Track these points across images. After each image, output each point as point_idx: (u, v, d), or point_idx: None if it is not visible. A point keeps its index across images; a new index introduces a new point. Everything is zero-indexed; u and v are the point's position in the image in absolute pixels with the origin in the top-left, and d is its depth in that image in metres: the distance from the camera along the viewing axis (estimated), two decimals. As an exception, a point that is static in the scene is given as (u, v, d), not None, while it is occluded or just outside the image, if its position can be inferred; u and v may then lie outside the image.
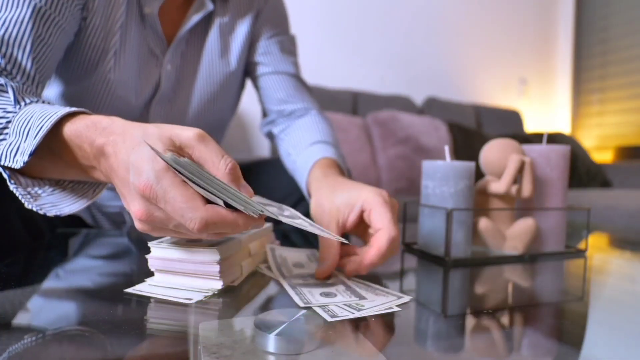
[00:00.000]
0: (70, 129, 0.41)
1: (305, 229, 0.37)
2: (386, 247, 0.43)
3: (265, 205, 0.38)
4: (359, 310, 0.35)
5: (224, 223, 0.32)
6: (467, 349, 0.31)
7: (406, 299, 0.38)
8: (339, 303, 0.36)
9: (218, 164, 0.34)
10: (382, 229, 0.44)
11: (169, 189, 0.32)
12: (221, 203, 0.32)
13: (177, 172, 0.32)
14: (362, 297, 0.38)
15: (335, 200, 0.49)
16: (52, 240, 0.64)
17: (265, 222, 0.54)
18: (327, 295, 0.38)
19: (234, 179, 0.35)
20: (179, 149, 0.35)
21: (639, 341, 0.33)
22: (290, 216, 0.38)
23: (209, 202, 0.33)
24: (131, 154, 0.34)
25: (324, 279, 0.44)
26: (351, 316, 0.33)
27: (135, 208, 0.34)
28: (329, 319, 0.32)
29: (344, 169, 0.67)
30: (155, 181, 0.32)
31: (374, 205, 0.45)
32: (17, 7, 0.53)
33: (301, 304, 0.36)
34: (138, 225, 0.36)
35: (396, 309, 0.36)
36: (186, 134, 0.35)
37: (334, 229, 0.47)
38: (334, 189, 0.51)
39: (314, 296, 0.38)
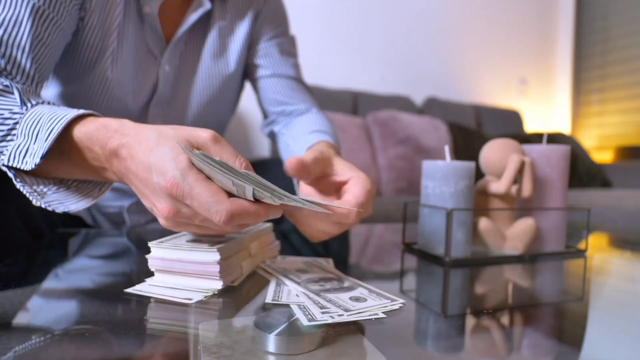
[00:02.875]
0: (80, 131, 0.42)
1: (318, 209, 0.36)
2: (363, 194, 0.44)
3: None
4: (340, 315, 0.33)
5: (248, 214, 0.34)
6: (467, 349, 0.31)
7: (396, 305, 0.36)
8: (326, 302, 0.36)
9: (234, 163, 0.37)
10: (356, 196, 0.44)
11: (195, 185, 0.33)
12: (250, 194, 0.34)
13: (199, 170, 0.34)
14: (350, 302, 0.37)
15: (332, 160, 0.49)
16: (52, 240, 0.64)
17: (266, 223, 0.54)
18: (324, 291, 0.38)
19: None
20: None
21: (639, 341, 0.33)
22: (307, 200, 0.37)
23: (232, 196, 0.35)
24: (150, 155, 0.36)
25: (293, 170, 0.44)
26: (330, 321, 0.31)
27: (162, 206, 0.36)
28: (306, 322, 0.31)
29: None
30: (181, 178, 0.34)
31: (359, 183, 0.46)
32: (15, 7, 0.53)
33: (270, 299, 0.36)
34: (163, 222, 0.37)
35: (382, 315, 0.34)
36: (202, 135, 0.37)
37: (316, 155, 0.47)
38: (336, 156, 0.52)
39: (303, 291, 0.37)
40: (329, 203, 0.41)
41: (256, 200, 0.35)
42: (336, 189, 0.49)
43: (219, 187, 0.34)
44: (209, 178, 0.34)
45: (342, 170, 0.48)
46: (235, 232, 0.40)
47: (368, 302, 0.36)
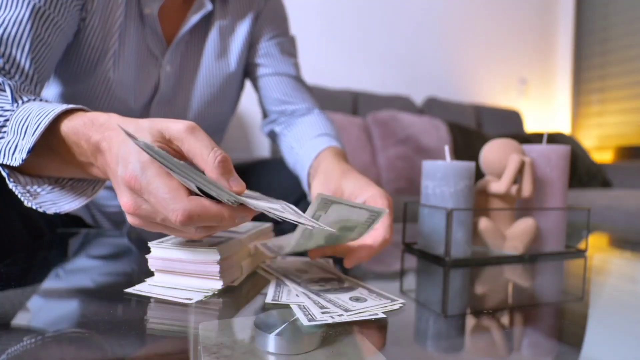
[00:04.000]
0: (67, 126, 0.41)
1: (291, 220, 0.34)
2: (378, 248, 0.44)
3: (258, 199, 0.36)
4: (340, 315, 0.33)
5: (208, 215, 0.32)
6: (467, 349, 0.31)
7: (396, 305, 0.36)
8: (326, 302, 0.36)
9: (207, 157, 0.33)
10: (379, 229, 0.45)
11: (153, 179, 0.31)
12: (195, 188, 0.31)
13: (162, 164, 0.31)
14: (351, 301, 0.37)
15: (342, 184, 0.49)
16: (52, 240, 0.64)
17: (265, 223, 0.54)
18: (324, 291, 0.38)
19: (224, 172, 0.34)
20: (168, 142, 0.35)
21: (639, 341, 0.33)
22: (279, 210, 0.35)
23: (193, 194, 0.32)
24: (121, 147, 0.34)
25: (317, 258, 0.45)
26: (330, 321, 0.31)
27: (123, 201, 0.34)
28: (306, 322, 0.31)
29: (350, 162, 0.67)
30: (140, 172, 0.32)
31: (371, 197, 0.46)
32: (16, 6, 0.53)
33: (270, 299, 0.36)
34: (129, 219, 0.35)
35: (382, 315, 0.34)
36: (176, 126, 0.35)
37: None
38: (344, 174, 0.52)
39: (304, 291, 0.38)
40: (312, 220, 0.40)
41: (220, 202, 0.32)
42: None
43: (179, 184, 0.32)
44: (170, 173, 0.32)
45: (354, 193, 0.48)
46: (202, 237, 0.37)
47: (368, 302, 0.36)
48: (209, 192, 0.31)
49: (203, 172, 0.34)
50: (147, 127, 0.35)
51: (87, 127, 0.39)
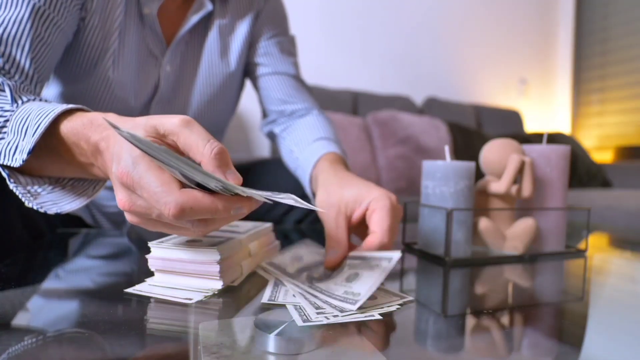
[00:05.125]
0: (67, 127, 0.41)
1: (296, 204, 0.34)
2: (386, 219, 0.44)
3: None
4: (335, 316, 0.32)
5: (201, 206, 0.31)
6: (467, 349, 0.31)
7: (393, 307, 0.36)
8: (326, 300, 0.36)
9: (202, 149, 0.32)
10: (376, 233, 0.44)
11: (145, 174, 0.31)
12: (180, 176, 0.31)
13: (153, 158, 0.31)
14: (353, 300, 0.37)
15: (344, 195, 0.49)
16: (52, 240, 0.64)
17: (265, 222, 0.54)
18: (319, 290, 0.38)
19: (220, 164, 0.32)
20: (162, 137, 0.34)
21: (639, 341, 0.33)
22: (281, 197, 0.34)
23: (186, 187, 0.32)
24: (116, 145, 0.34)
25: (333, 268, 0.45)
26: (325, 322, 0.31)
27: (118, 198, 0.34)
28: (300, 323, 0.30)
29: (349, 166, 0.67)
30: (132, 167, 0.31)
31: (378, 207, 0.46)
32: (16, 6, 0.53)
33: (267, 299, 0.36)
34: (128, 217, 0.35)
35: (378, 317, 0.33)
36: (170, 120, 0.34)
37: (342, 222, 0.47)
38: (343, 183, 0.52)
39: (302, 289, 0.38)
40: (375, 254, 0.41)
41: (214, 193, 0.31)
42: (363, 220, 0.49)
43: (171, 177, 0.31)
44: (162, 166, 0.31)
45: (356, 202, 0.48)
46: (201, 233, 0.35)
47: (363, 279, 0.36)
48: (192, 177, 0.30)
49: (199, 164, 0.33)
50: (142, 124, 0.34)
51: (86, 128, 0.39)
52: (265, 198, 0.32)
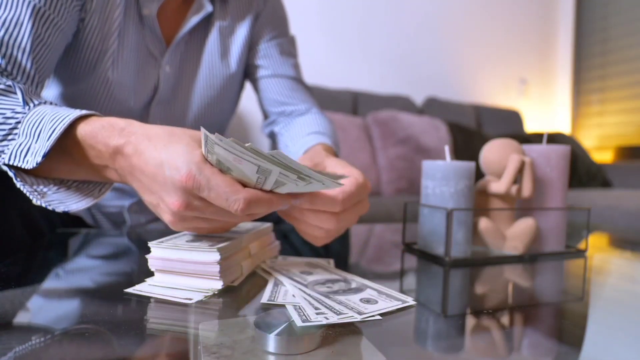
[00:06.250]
0: (85, 130, 0.42)
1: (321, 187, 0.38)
2: (353, 189, 0.43)
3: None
4: (334, 317, 0.32)
5: (262, 201, 0.36)
6: (467, 349, 0.31)
7: (406, 305, 0.37)
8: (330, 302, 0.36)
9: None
10: (346, 174, 0.45)
11: (212, 177, 0.35)
12: (272, 179, 0.36)
13: (212, 164, 0.36)
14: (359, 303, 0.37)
15: (325, 160, 0.51)
16: (52, 240, 0.64)
17: (265, 222, 0.54)
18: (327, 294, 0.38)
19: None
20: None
21: (639, 341, 0.33)
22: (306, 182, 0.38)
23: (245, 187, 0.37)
24: (163, 150, 0.37)
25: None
26: (324, 322, 0.31)
27: (172, 200, 0.36)
28: (300, 323, 0.30)
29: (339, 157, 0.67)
30: (198, 172, 0.35)
31: (349, 172, 0.46)
32: (16, 7, 0.53)
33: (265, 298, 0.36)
34: (169, 217, 0.38)
35: (378, 317, 0.33)
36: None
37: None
38: (329, 156, 0.53)
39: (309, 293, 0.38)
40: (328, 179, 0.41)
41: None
42: None
43: (233, 179, 0.36)
44: (222, 172, 0.36)
45: (335, 169, 0.48)
46: (236, 224, 0.42)
47: (379, 304, 0.36)
48: (282, 183, 0.36)
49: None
50: (182, 134, 0.39)
51: (106, 131, 0.41)
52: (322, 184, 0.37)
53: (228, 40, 0.76)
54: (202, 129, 0.36)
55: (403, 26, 2.54)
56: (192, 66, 0.74)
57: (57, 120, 0.42)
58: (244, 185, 0.37)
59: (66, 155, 0.44)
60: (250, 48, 0.80)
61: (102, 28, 0.63)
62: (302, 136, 0.74)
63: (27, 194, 0.44)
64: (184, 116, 0.76)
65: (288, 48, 0.84)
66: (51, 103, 0.49)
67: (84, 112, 0.44)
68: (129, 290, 0.38)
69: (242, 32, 0.77)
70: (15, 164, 0.43)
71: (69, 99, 0.69)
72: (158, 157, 0.37)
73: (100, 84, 0.66)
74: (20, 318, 0.34)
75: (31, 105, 0.46)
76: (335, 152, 0.67)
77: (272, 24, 0.81)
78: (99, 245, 0.62)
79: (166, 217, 0.39)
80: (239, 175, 0.36)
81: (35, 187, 0.45)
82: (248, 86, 0.87)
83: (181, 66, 0.73)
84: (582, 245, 0.65)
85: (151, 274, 0.41)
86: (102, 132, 0.41)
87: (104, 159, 0.42)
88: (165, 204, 0.37)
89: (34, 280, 0.43)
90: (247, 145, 0.34)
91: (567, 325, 0.37)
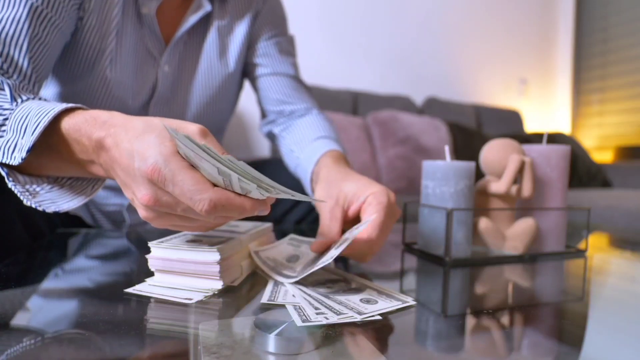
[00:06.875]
0: (69, 124, 0.41)
1: (300, 198, 0.36)
2: (359, 246, 0.44)
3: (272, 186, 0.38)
4: (334, 317, 0.32)
5: (232, 205, 0.33)
6: (467, 349, 0.31)
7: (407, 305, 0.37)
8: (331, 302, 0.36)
9: None
10: (368, 229, 0.44)
11: (177, 171, 0.32)
12: (236, 183, 0.33)
13: (184, 158, 0.33)
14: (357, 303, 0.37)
15: (343, 188, 0.49)
16: (52, 240, 0.64)
17: (265, 222, 0.54)
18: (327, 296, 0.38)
19: None
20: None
21: (639, 341, 0.33)
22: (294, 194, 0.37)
23: (216, 186, 0.34)
24: (135, 141, 0.35)
25: (319, 252, 0.45)
26: (324, 322, 0.31)
27: (141, 194, 0.34)
28: (299, 323, 0.30)
29: (350, 163, 0.67)
30: (164, 164, 0.33)
31: (374, 202, 0.46)
32: (13, 6, 0.53)
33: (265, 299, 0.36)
34: (143, 212, 0.36)
35: (377, 317, 0.33)
36: (189, 127, 0.36)
37: (338, 213, 0.47)
38: (344, 177, 0.52)
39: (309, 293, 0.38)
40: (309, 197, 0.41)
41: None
42: (359, 215, 0.49)
43: (203, 176, 0.33)
44: (193, 167, 0.33)
45: (355, 195, 0.48)
46: (216, 226, 0.39)
47: (379, 304, 0.36)
48: (247, 190, 0.33)
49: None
50: (159, 125, 0.35)
51: (89, 124, 0.40)
52: (290, 195, 0.35)
53: (227, 40, 0.76)
54: (163, 121, 0.35)
55: (403, 26, 2.54)
56: (191, 65, 0.74)
57: (41, 115, 0.41)
58: (217, 185, 0.34)
59: (54, 151, 0.43)
60: (249, 47, 0.80)
61: (100, 27, 0.63)
62: (309, 141, 0.73)
63: (18, 195, 0.44)
64: (183, 115, 0.76)
65: (287, 47, 0.84)
66: (40, 99, 0.48)
67: (69, 105, 0.42)
68: (129, 290, 0.38)
69: (240, 31, 0.77)
70: (4, 161, 0.43)
71: (67, 98, 0.69)
72: (130, 148, 0.35)
73: (98, 83, 0.66)
74: (20, 318, 0.34)
75: (19, 101, 0.46)
76: (346, 159, 0.66)
77: (271, 22, 0.81)
78: (99, 245, 0.62)
79: (141, 213, 0.36)
80: (207, 174, 0.33)
81: (28, 186, 0.45)
82: (247, 86, 0.87)
83: (180, 65, 0.73)
84: (582, 245, 0.65)
85: (151, 274, 0.41)
86: (84, 125, 0.40)
87: (89, 154, 0.41)
88: (137, 198, 0.35)
89: (33, 280, 0.43)
90: (201, 144, 0.32)
91: (567, 325, 0.37)
